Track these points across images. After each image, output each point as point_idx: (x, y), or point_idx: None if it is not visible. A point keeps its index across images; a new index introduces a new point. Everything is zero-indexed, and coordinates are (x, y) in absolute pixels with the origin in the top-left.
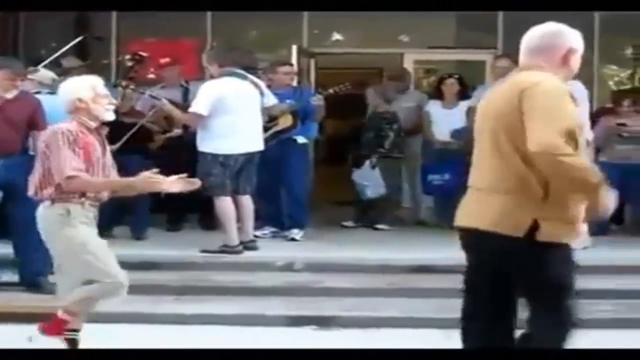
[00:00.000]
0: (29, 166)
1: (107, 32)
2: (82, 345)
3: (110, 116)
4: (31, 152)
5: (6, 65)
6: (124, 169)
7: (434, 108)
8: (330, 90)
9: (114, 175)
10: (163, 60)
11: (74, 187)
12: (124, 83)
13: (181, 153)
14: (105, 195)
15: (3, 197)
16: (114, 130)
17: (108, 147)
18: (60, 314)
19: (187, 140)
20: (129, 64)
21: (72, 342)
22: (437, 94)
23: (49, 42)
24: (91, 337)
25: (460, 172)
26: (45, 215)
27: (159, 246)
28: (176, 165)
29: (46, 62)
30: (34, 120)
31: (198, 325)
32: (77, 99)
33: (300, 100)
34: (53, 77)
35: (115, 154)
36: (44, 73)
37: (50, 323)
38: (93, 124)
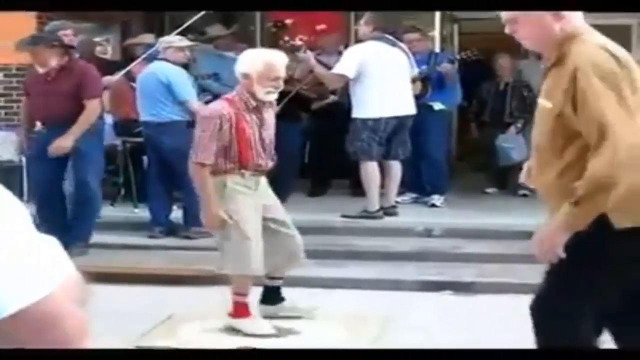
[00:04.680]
0: None
1: None
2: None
3: (270, 98)
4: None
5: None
6: (280, 137)
7: None
8: (457, 56)
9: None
10: (319, 27)
11: (195, 174)
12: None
13: (334, 120)
14: (269, 164)
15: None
16: None
17: (271, 126)
18: (233, 298)
19: (342, 106)
20: (273, 30)
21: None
22: None
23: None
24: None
25: None
26: None
27: (300, 211)
28: (329, 132)
29: (184, 26)
30: (80, 88)
31: (337, 289)
32: (243, 73)
33: (433, 67)
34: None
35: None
36: (143, 36)
37: (233, 309)
38: (253, 102)
